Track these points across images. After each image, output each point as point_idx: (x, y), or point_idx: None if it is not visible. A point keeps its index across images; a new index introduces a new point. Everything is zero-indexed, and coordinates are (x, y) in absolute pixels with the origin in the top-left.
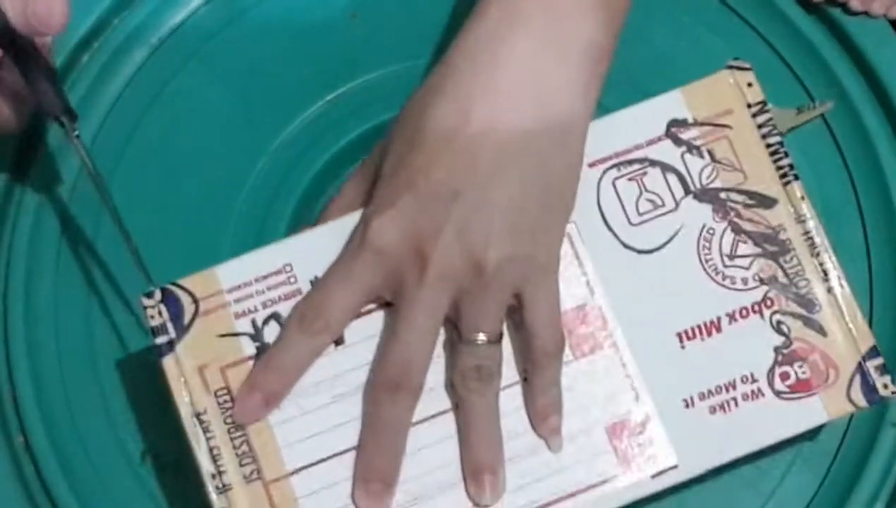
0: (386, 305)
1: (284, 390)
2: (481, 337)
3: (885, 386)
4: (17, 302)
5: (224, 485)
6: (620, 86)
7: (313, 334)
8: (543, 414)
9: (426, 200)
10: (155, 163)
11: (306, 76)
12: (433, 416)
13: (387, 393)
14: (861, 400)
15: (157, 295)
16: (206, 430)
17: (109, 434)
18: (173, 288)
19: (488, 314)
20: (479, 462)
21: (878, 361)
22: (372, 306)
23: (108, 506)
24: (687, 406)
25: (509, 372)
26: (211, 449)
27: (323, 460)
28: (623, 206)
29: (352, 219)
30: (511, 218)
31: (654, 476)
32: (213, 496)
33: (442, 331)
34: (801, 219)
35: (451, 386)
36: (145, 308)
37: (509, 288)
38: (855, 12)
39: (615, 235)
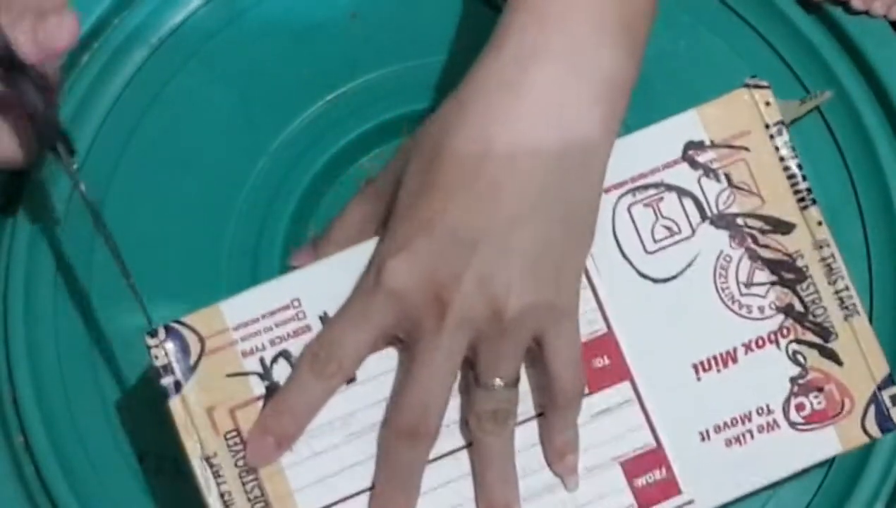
0: (398, 341)
1: (297, 432)
2: (499, 381)
3: None
4: (17, 302)
5: None
6: None
7: (327, 377)
8: (560, 452)
9: (444, 244)
10: (155, 164)
11: (306, 76)
12: (448, 454)
13: (403, 439)
14: (875, 431)
15: (161, 333)
16: (216, 475)
17: (109, 434)
18: (177, 326)
19: (507, 359)
20: (494, 501)
21: (893, 390)
22: None
23: (107, 506)
24: (703, 439)
25: (525, 406)
26: (222, 495)
27: (337, 502)
28: (639, 234)
29: (362, 251)
30: (533, 262)
31: None
32: None
33: None
34: (818, 245)
35: (466, 425)
36: (149, 347)
37: (529, 333)
38: (856, 11)
39: (631, 264)
